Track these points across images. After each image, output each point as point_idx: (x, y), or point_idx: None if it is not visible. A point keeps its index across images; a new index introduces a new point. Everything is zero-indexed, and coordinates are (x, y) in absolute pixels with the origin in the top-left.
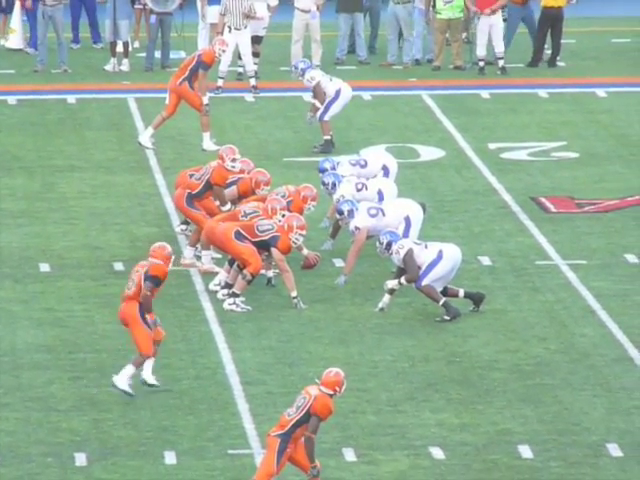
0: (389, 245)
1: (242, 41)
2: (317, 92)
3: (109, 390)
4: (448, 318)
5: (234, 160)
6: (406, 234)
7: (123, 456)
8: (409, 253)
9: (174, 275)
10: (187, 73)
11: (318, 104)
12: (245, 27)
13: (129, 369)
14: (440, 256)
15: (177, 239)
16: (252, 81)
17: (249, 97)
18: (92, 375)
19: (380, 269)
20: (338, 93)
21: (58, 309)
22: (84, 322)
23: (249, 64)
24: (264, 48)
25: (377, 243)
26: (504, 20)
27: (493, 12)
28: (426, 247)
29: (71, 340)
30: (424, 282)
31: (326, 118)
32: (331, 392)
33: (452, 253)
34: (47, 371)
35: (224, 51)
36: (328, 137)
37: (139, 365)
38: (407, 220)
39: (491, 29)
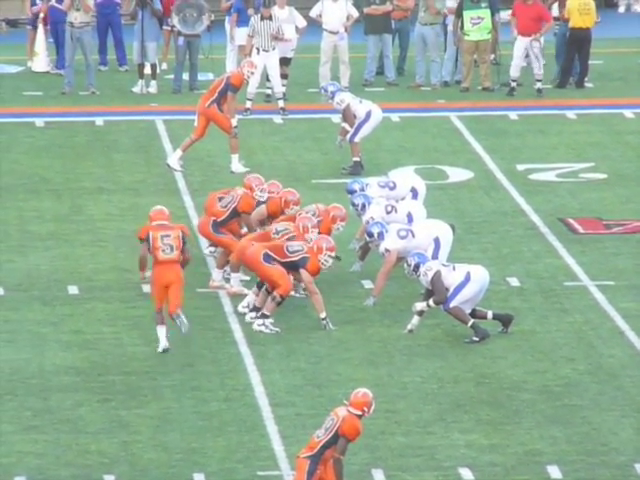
0: (417, 267)
1: (270, 63)
2: (347, 115)
3: (138, 412)
4: (477, 339)
5: (262, 190)
6: (435, 255)
7: (152, 478)
8: (437, 275)
9: (203, 297)
10: (216, 95)
11: (348, 127)
12: (273, 49)
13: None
14: (468, 278)
15: (206, 261)
16: (280, 103)
17: (277, 119)
18: (121, 397)
19: (409, 291)
20: (369, 114)
21: (87, 331)
22: (113, 344)
23: (277, 86)
24: (292, 70)
25: (405, 265)
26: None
27: (537, 39)
28: (454, 269)
29: (100, 362)
30: (452, 304)
31: (356, 140)
32: (359, 413)
33: (480, 275)
34: (76, 393)
35: (252, 73)
36: (357, 159)
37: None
38: (436, 241)
39: (529, 52)
